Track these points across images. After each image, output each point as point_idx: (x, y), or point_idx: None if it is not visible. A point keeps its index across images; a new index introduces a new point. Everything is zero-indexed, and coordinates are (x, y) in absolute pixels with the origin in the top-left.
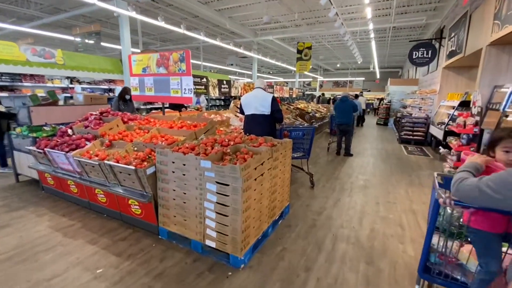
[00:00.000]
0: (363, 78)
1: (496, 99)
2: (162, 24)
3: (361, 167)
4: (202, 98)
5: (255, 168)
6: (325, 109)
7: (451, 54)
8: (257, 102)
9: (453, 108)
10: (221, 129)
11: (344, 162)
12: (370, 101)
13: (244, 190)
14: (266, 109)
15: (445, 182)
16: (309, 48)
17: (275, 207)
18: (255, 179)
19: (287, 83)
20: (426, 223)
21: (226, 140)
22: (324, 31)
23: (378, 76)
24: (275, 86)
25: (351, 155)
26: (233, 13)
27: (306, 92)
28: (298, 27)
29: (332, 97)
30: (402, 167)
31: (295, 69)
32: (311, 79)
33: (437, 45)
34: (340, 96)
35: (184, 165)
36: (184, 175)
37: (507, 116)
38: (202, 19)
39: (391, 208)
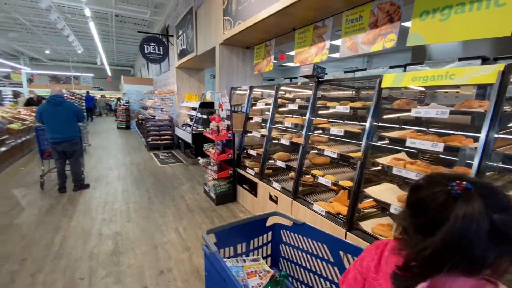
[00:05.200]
0: (93, 75)
1: (234, 101)
2: None
3: (104, 207)
4: None
5: None
6: (33, 114)
7: (182, 53)
8: None
9: (194, 110)
10: None
11: (74, 206)
12: (109, 102)
13: None
14: None
15: (220, 238)
16: None
17: None
18: None
19: None
20: None
21: None
22: None
23: (109, 74)
24: None
25: (87, 186)
26: None
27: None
28: None
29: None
30: (161, 187)
31: None
32: (9, 70)
33: (167, 43)
34: (48, 97)
35: None
36: None
37: (251, 118)
38: None
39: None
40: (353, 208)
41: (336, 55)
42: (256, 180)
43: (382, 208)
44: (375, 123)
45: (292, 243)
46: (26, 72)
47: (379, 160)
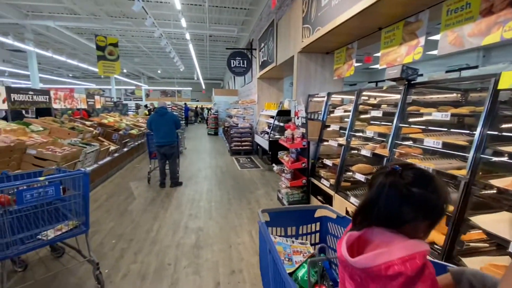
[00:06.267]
0: (191, 88)
1: (311, 108)
2: None
3: (192, 204)
4: None
5: None
6: None
7: (263, 64)
8: None
9: (272, 118)
10: None
11: (169, 200)
12: (201, 111)
13: None
14: None
15: (272, 218)
16: (115, 45)
17: None
18: None
19: (103, 91)
20: None
21: None
22: (132, 27)
23: (203, 87)
24: (54, 92)
25: (180, 183)
26: None
27: (125, 102)
28: (98, 18)
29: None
30: (239, 190)
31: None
32: (134, 87)
33: (250, 56)
34: (156, 108)
35: None
36: None
37: (328, 126)
38: None
39: None
40: (453, 238)
41: (434, 52)
42: (331, 192)
43: (498, 244)
44: (489, 132)
45: (337, 235)
46: (144, 88)
47: (494, 182)
